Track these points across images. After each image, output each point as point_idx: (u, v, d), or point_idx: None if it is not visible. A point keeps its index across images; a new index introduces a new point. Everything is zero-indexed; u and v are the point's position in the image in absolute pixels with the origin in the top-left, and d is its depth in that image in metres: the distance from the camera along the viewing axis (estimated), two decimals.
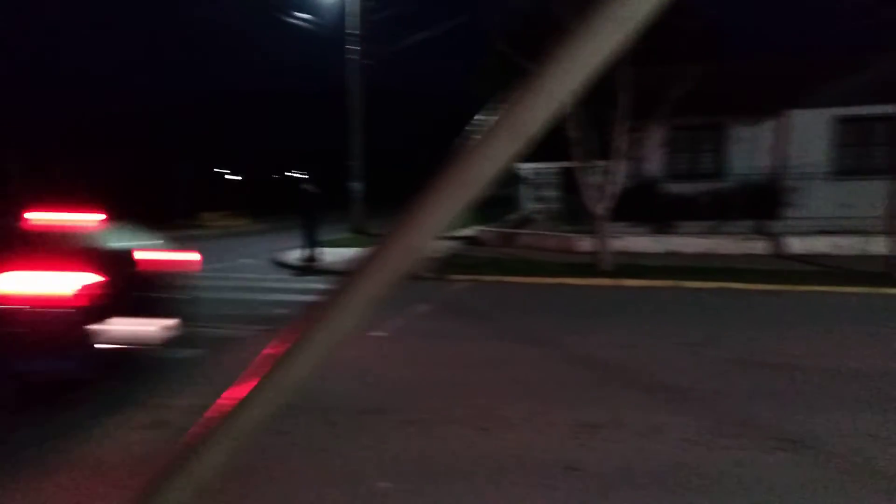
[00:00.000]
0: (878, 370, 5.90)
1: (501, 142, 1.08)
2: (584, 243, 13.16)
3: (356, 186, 19.66)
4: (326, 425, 4.71)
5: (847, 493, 3.68)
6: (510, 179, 20.78)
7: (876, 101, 11.13)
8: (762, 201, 14.30)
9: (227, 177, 42.29)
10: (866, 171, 13.31)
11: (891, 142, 10.22)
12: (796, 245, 12.77)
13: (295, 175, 51.10)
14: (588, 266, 11.49)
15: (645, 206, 14.86)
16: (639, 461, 4.10)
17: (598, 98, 11.43)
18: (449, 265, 12.45)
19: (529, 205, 19.80)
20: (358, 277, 1.15)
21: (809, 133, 14.30)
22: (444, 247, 15.39)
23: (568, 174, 14.09)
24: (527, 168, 19.88)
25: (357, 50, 19.01)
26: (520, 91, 1.07)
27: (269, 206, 31.71)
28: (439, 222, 1.14)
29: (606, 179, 11.40)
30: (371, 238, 17.44)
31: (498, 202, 21.17)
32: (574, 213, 14.75)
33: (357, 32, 18.87)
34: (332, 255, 13.42)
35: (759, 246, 13.01)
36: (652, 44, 11.98)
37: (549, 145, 14.95)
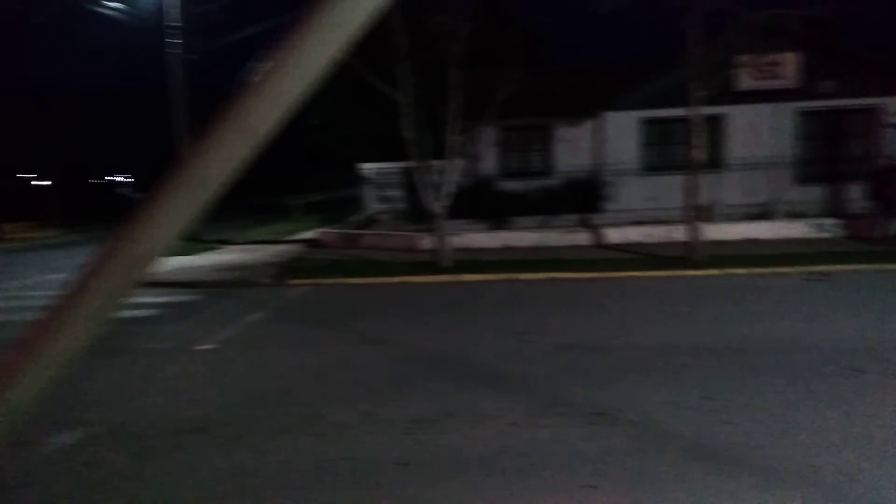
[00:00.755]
0: (675, 344, 6.64)
1: (230, 143, 1.05)
2: (426, 241, 13.45)
3: None
4: (139, 451, 4.36)
5: (644, 454, 4.10)
6: (354, 180, 20.69)
7: (674, 104, 12.52)
8: (584, 196, 15.55)
9: (33, 183, 37.63)
10: (669, 168, 14.96)
11: (685, 141, 11.56)
12: (614, 235, 14.06)
13: (115, 179, 46.66)
14: (429, 264, 11.76)
15: (482, 203, 15.53)
16: (467, 449, 4.27)
17: (432, 99, 11.75)
18: (287, 269, 12.12)
19: (374, 205, 19.85)
20: (80, 291, 1.06)
21: (621, 133, 15.80)
22: (283, 251, 14.94)
23: (411, 174, 14.34)
24: (370, 168, 19.92)
25: (179, 43, 17.84)
26: (246, 93, 1.05)
27: (84, 214, 28.61)
28: (171, 228, 1.09)
29: (442, 178, 11.74)
30: (205, 245, 16.45)
31: (342, 203, 20.97)
32: (417, 212, 15.04)
33: (178, 25, 17.70)
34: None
35: (582, 237, 14.14)
36: (479, 48, 12.59)
37: (392, 145, 14.93)
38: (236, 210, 19.03)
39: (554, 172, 16.23)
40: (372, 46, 11.79)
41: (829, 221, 13.76)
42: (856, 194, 14.54)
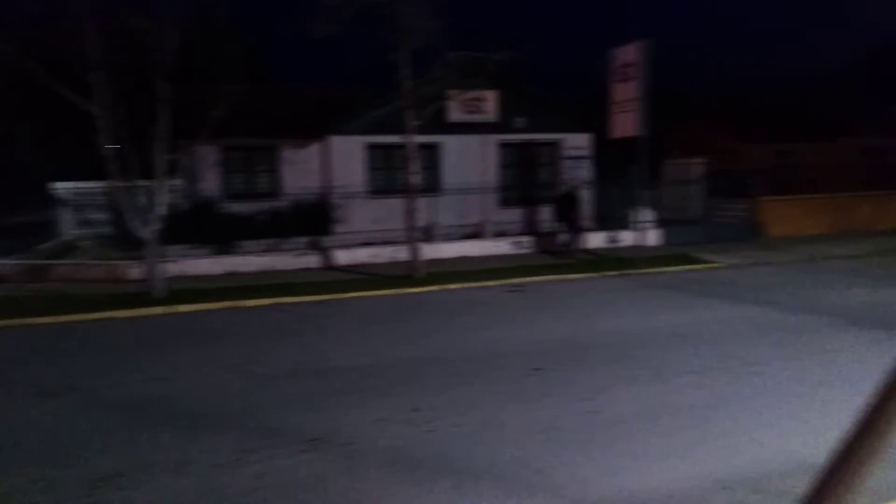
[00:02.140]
0: (392, 360, 6.92)
1: None
2: (135, 271, 12.08)
3: None
4: None
5: (352, 474, 4.14)
6: (45, 202, 17.72)
7: (394, 131, 13.23)
8: (314, 219, 15.54)
9: None
10: (393, 191, 15.77)
11: (406, 166, 12.28)
12: (343, 257, 14.29)
13: None
14: (138, 295, 10.56)
15: (204, 226, 14.52)
16: (163, 502, 3.84)
17: (137, 113, 10.64)
18: None
19: (72, 230, 17.23)
20: None
21: (348, 157, 16.22)
22: None
23: (115, 195, 12.74)
24: (66, 188, 17.28)
25: None
26: None
27: None
28: None
29: (151, 200, 10.68)
30: None
31: (27, 229, 17.82)
32: (126, 238, 13.44)
33: None
34: None
35: (312, 260, 14.09)
36: (192, 61, 11.82)
37: (93, 162, 12.94)
38: None
39: (282, 194, 15.93)
40: (61, 51, 10.28)
41: (526, 239, 15.83)
42: (545, 215, 16.96)
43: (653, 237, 15.72)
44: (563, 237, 15.22)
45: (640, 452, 4.40)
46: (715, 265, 13.08)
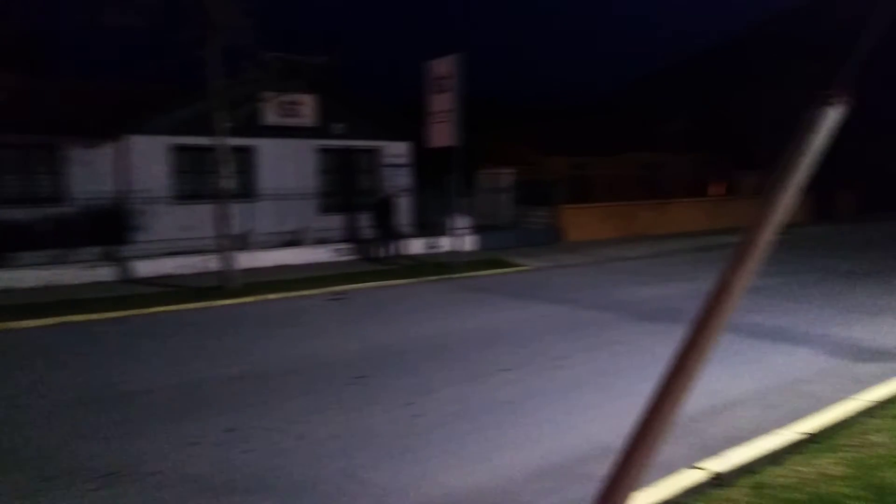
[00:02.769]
0: (204, 378, 6.41)
1: None
2: None
3: None
4: None
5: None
6: None
7: (203, 132, 12.33)
8: (109, 226, 13.97)
9: None
10: (202, 196, 14.70)
11: (215, 170, 11.50)
12: (145, 268, 13.00)
13: None
14: None
15: None
16: None
17: None
18: None
19: None
20: None
21: (150, 159, 14.81)
22: None
23: None
24: None
25: None
26: None
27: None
28: None
29: None
30: None
31: None
32: None
33: None
34: None
35: (107, 272, 12.63)
36: None
37: None
38: None
39: (69, 199, 14.10)
40: None
41: (347, 246, 15.70)
42: (365, 222, 16.96)
43: (469, 243, 16.46)
44: (381, 244, 15.34)
45: (460, 451, 4.52)
46: (524, 268, 14.04)
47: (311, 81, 15.32)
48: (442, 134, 13.40)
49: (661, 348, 6.84)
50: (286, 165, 16.40)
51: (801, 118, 2.72)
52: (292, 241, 15.60)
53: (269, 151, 16.13)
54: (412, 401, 5.58)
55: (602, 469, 2.31)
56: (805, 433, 4.35)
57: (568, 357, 6.91)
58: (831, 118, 2.56)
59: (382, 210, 15.35)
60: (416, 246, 16.33)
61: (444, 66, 13.23)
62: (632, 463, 2.38)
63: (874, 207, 26.90)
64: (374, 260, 15.06)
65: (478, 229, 17.34)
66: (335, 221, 17.00)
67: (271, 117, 15.78)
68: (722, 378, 5.89)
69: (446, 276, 12.78)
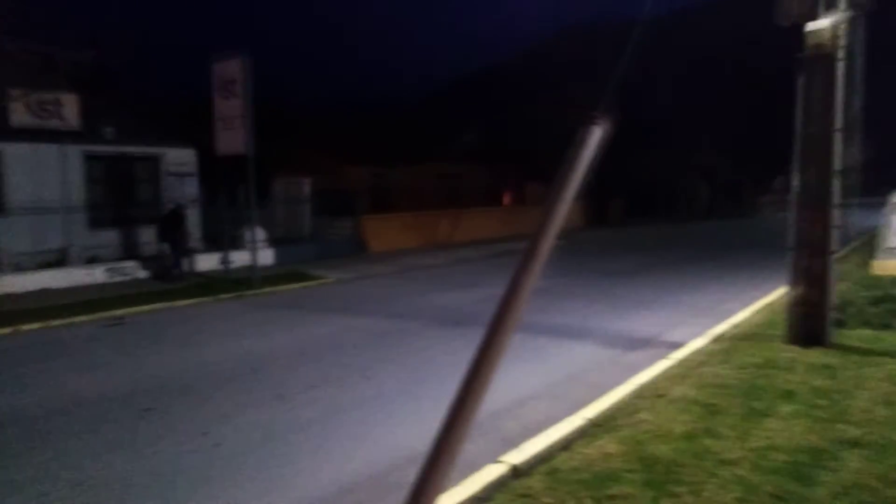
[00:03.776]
0: None
1: None
2: None
3: None
4: None
5: None
6: None
7: None
8: None
9: None
10: None
11: None
12: None
13: None
14: None
15: None
16: None
17: None
18: None
19: None
20: None
21: None
22: None
23: None
24: None
25: None
26: None
27: None
28: None
29: None
30: None
31: None
32: None
33: None
34: None
35: None
36: None
37: None
38: None
39: None
40: None
41: (128, 264, 14.10)
42: (150, 237, 15.40)
43: (267, 256, 15.75)
44: (168, 260, 14.04)
45: (266, 476, 4.24)
46: (327, 280, 13.78)
47: (72, 79, 13.46)
48: (232, 141, 12.66)
49: (466, 352, 7.06)
50: (45, 174, 14.24)
51: (573, 134, 2.97)
52: (56, 262, 13.59)
53: (20, 157, 13.87)
54: (208, 430, 5.12)
55: (412, 475, 2.27)
56: (589, 419, 4.79)
57: (375, 368, 6.87)
58: (596, 136, 2.83)
59: (168, 223, 14.05)
60: (208, 262, 15.22)
61: (232, 69, 12.52)
62: (437, 466, 2.38)
63: (637, 213, 31.05)
64: (160, 279, 13.72)
65: (276, 242, 16.69)
66: (110, 237, 15.16)
67: (22, 118, 13.62)
68: (517, 375, 6.28)
69: (242, 294, 12.06)
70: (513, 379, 6.13)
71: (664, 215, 32.16)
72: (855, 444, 4.20)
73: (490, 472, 3.95)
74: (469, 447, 4.57)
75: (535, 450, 4.23)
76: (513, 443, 4.45)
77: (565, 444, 4.39)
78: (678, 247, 19.93)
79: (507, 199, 25.75)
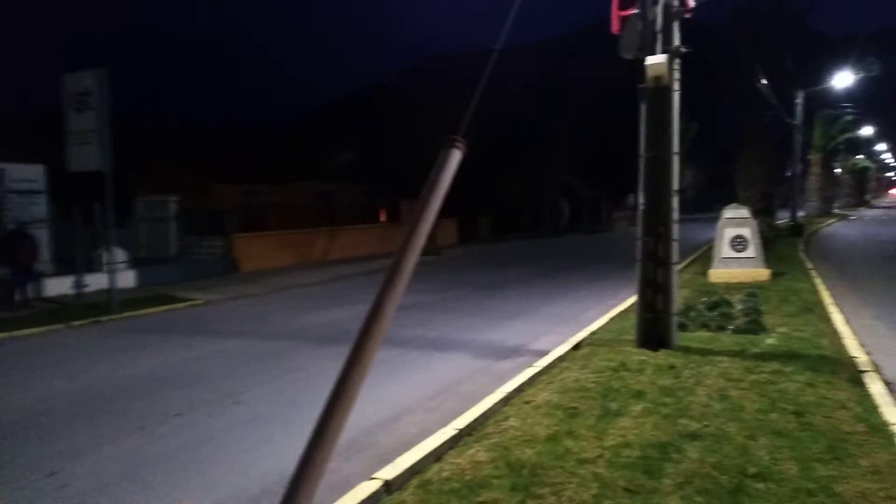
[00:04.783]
0: None
1: None
2: None
3: None
4: None
5: None
6: None
7: None
8: None
9: None
10: None
11: None
12: None
13: None
14: None
15: None
16: None
17: None
18: None
19: None
20: None
21: None
22: None
23: None
24: None
25: None
26: None
27: None
28: None
29: None
30: None
31: None
32: None
33: None
34: None
35: None
36: None
37: None
38: None
39: None
40: None
41: None
42: None
43: (128, 279, 14.73)
44: (11, 286, 12.71)
45: None
46: (195, 302, 13.11)
47: None
48: (86, 156, 11.77)
49: (337, 371, 7.08)
50: None
51: (437, 155, 3.14)
52: None
53: None
54: (56, 469, 4.72)
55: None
56: (460, 429, 4.96)
57: (247, 391, 6.66)
58: (456, 158, 3.02)
59: (12, 245, 12.73)
60: (60, 286, 13.93)
61: (87, 81, 11.68)
62: (302, 485, 2.41)
63: (506, 229, 32.32)
64: (6, 306, 12.37)
65: (139, 263, 15.65)
66: None
67: None
68: (392, 390, 6.36)
69: (99, 319, 11.17)
70: (387, 394, 6.20)
71: (530, 231, 33.81)
72: (695, 436, 4.68)
73: (363, 490, 3.98)
74: (343, 466, 4.59)
75: (408, 463, 4.32)
76: (387, 458, 4.51)
77: (437, 456, 4.52)
78: (544, 260, 21.01)
79: (383, 216, 25.88)
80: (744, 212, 13.19)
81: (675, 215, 7.23)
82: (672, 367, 6.44)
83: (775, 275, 12.87)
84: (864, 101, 46.96)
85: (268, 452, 5.00)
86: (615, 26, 7.32)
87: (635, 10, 7.19)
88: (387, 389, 6.33)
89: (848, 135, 47.74)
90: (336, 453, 4.70)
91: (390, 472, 4.20)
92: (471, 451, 4.53)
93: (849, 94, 39.68)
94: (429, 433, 4.95)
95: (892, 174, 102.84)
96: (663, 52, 7.00)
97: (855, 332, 8.23)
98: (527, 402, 5.59)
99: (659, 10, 7.04)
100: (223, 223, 18.05)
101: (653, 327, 7.15)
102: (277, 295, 14.25)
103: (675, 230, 7.23)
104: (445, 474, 4.17)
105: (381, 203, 25.75)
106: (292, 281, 16.18)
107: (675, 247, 7.22)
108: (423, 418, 5.60)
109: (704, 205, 38.25)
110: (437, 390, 6.51)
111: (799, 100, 29.23)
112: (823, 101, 37.55)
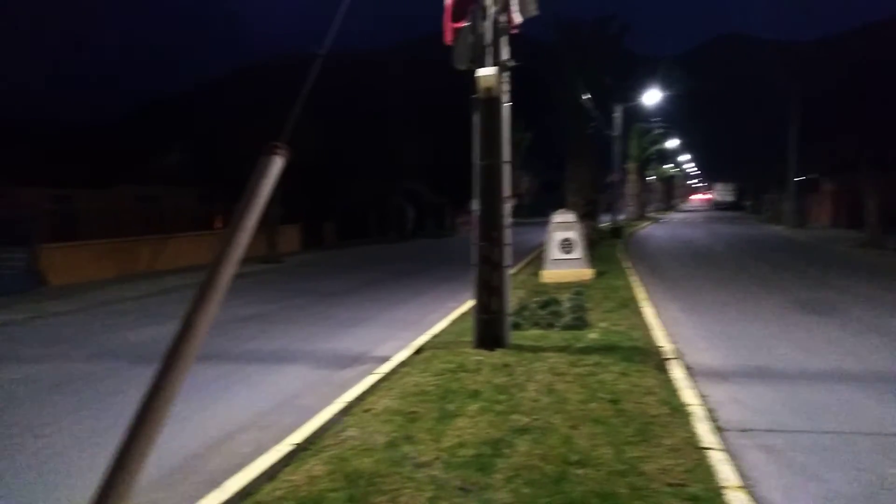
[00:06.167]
0: None
1: None
2: None
3: None
4: None
5: None
6: None
7: None
8: None
9: None
10: None
11: None
12: None
13: None
14: None
15: None
16: None
17: None
18: None
19: None
20: None
21: None
22: None
23: None
24: None
25: None
26: None
27: None
28: None
29: None
30: None
31: None
32: None
33: None
34: None
35: None
36: None
37: None
38: None
39: None
40: None
41: None
42: None
43: None
44: None
45: None
46: None
47: None
48: None
49: None
50: None
51: (258, 163, 2.99)
52: None
53: None
54: None
55: None
56: (296, 444, 4.78)
57: (56, 422, 5.91)
58: (277, 165, 2.90)
59: None
60: None
61: None
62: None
63: (351, 235, 32.05)
64: None
65: None
66: None
67: None
68: (224, 408, 6.00)
69: None
70: (220, 413, 5.83)
71: (376, 236, 33.88)
72: (524, 430, 4.92)
73: None
74: (164, 496, 4.21)
75: (238, 486, 4.07)
76: (215, 482, 4.22)
77: (271, 475, 4.32)
78: (389, 265, 21.14)
79: (220, 223, 24.46)
80: (571, 216, 14.22)
81: (508, 221, 7.59)
82: (506, 365, 6.73)
83: (599, 274, 14.04)
84: (671, 117, 52.94)
85: (73, 487, 4.46)
86: (448, 37, 7.54)
87: (467, 23, 7.45)
88: (219, 408, 5.95)
89: (658, 146, 53.62)
90: (157, 484, 4.31)
91: (217, 497, 3.94)
92: (307, 466, 4.39)
93: (659, 110, 44.54)
94: (263, 451, 4.72)
95: (694, 181, 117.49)
96: (494, 65, 7.32)
97: (663, 325, 9.20)
98: (367, 411, 5.54)
99: (488, 25, 7.35)
100: (26, 232, 15.95)
101: (489, 328, 7.44)
102: (93, 311, 12.85)
103: (509, 235, 7.59)
104: (279, 493, 4.00)
105: (216, 209, 24.31)
106: (112, 295, 14.69)
107: (508, 251, 7.58)
108: (258, 436, 5.33)
109: (539, 210, 40.82)
110: (274, 405, 6.24)
111: (617, 113, 32.20)
112: (637, 116, 41.80)
